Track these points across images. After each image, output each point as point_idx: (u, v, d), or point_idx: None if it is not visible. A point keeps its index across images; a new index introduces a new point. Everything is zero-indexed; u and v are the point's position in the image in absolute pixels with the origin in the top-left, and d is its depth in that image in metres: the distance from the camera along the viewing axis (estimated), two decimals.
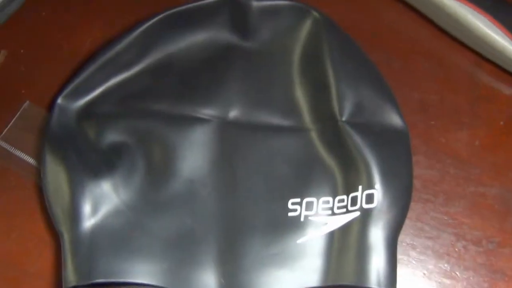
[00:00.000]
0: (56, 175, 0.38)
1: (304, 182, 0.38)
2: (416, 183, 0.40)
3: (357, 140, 0.37)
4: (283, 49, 0.42)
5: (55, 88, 0.45)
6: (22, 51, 0.47)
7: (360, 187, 0.36)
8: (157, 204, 0.38)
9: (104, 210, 0.37)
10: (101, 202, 0.37)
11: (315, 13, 0.40)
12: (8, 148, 0.43)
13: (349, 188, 0.37)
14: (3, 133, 0.44)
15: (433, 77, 0.44)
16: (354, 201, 0.36)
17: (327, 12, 0.40)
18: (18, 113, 0.44)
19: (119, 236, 0.37)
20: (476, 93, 0.43)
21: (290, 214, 0.38)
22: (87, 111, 0.40)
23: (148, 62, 0.42)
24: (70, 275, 0.35)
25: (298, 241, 0.37)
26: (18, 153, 0.43)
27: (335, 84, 0.39)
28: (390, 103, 0.39)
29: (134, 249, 0.37)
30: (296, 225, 0.37)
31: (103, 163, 0.39)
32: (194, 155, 0.39)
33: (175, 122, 0.40)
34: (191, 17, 0.42)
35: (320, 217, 0.37)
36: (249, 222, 0.38)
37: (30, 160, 0.43)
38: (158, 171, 0.39)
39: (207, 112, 0.41)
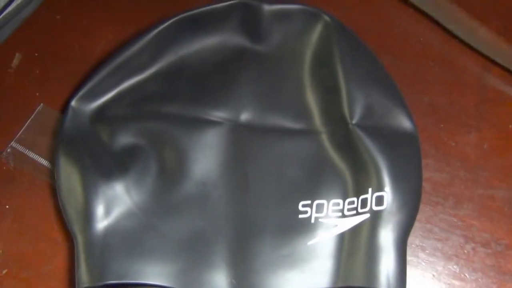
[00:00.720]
0: (69, 176, 0.38)
1: (314, 184, 0.39)
2: (426, 185, 0.41)
3: (367, 142, 0.37)
4: (294, 53, 0.42)
5: (69, 90, 0.45)
6: (36, 54, 0.48)
7: (370, 190, 0.36)
8: (169, 206, 0.39)
9: (116, 211, 0.37)
10: (114, 204, 0.38)
11: (326, 17, 0.41)
12: (22, 150, 0.44)
13: (359, 190, 0.37)
14: (18, 135, 0.44)
15: (442, 81, 0.44)
16: (364, 203, 0.36)
17: (338, 16, 0.41)
18: (33, 115, 0.45)
19: (131, 238, 0.37)
20: (485, 96, 0.44)
21: (300, 216, 0.38)
22: (100, 114, 0.41)
23: (161, 65, 0.42)
24: (83, 276, 0.36)
25: (309, 243, 0.37)
26: (32, 155, 0.44)
27: (346, 87, 0.39)
28: (400, 106, 0.39)
29: (146, 251, 0.37)
30: (306, 227, 0.37)
31: (115, 165, 0.39)
32: (206, 157, 0.40)
33: (187, 125, 0.41)
34: (204, 21, 0.42)
35: (330, 219, 0.37)
36: (260, 224, 0.38)
37: (44, 162, 0.44)
38: (170, 173, 0.39)
39: (219, 114, 0.41)
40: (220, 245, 0.38)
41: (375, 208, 0.36)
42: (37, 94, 0.46)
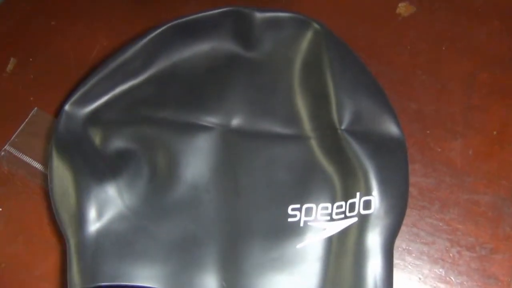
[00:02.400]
0: (62, 179, 0.39)
1: (303, 189, 0.39)
2: (413, 190, 0.42)
3: (356, 148, 0.38)
4: (284, 59, 0.43)
5: (63, 95, 0.46)
6: (31, 59, 0.49)
7: (358, 194, 0.37)
8: (160, 209, 0.39)
9: (109, 214, 0.38)
10: (106, 207, 0.38)
11: (315, 25, 0.42)
12: (16, 154, 0.44)
13: (347, 194, 0.38)
14: (12, 138, 0.45)
15: (429, 88, 0.45)
16: (352, 207, 0.37)
17: (328, 24, 0.42)
18: (27, 119, 0.45)
19: (123, 240, 0.37)
20: (470, 103, 0.44)
21: (290, 219, 0.38)
22: (94, 118, 0.41)
23: (154, 71, 0.43)
24: (75, 278, 0.36)
25: (298, 246, 0.38)
26: (26, 158, 0.44)
27: (335, 93, 0.40)
28: (388, 112, 0.40)
29: (137, 253, 0.37)
30: (295, 230, 0.38)
31: (108, 169, 0.40)
32: (197, 161, 0.40)
33: (179, 130, 0.41)
34: (196, 27, 0.43)
35: (319, 222, 0.38)
36: (250, 227, 0.39)
37: (38, 165, 0.44)
38: (162, 177, 0.40)
39: (210, 119, 0.42)
40: (211, 248, 0.38)
41: (362, 212, 0.36)
42: (31, 98, 0.46)
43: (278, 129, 0.42)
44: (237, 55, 0.43)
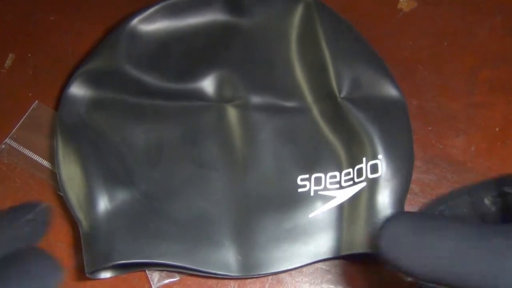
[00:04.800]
0: (69, 164, 0.39)
1: (311, 159, 0.40)
2: (414, 187, 0.41)
3: (357, 114, 0.39)
4: (279, 33, 0.43)
5: (62, 90, 0.46)
6: (29, 55, 0.48)
7: (364, 159, 0.37)
8: (170, 189, 0.39)
9: (119, 196, 0.38)
10: (116, 190, 0.38)
11: (311, 3, 0.42)
12: (17, 147, 0.44)
13: (354, 161, 0.38)
14: (12, 132, 0.44)
15: (431, 84, 0.45)
16: (359, 172, 0.37)
17: None
18: (27, 112, 0.45)
19: (135, 221, 0.38)
20: (472, 100, 0.44)
21: (300, 190, 0.39)
22: (96, 100, 0.41)
23: (149, 49, 0.43)
24: (91, 258, 0.36)
25: (310, 216, 0.38)
26: (27, 152, 0.44)
27: (332, 63, 0.40)
28: (385, 76, 0.40)
29: (151, 232, 0.37)
30: (306, 200, 0.38)
31: (114, 152, 0.40)
32: (203, 140, 0.41)
33: (180, 109, 0.41)
34: (187, 6, 0.43)
35: (329, 191, 0.38)
36: (261, 201, 0.39)
37: (38, 158, 0.44)
38: (169, 158, 0.40)
39: (210, 96, 0.42)
40: (224, 223, 0.38)
41: (370, 176, 0.37)
42: (30, 94, 0.46)
43: (280, 102, 0.42)
44: (231, 30, 0.44)
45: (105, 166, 0.39)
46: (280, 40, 0.43)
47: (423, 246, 0.20)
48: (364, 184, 0.37)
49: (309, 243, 0.38)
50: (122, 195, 0.38)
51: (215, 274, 0.37)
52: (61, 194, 0.39)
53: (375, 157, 0.37)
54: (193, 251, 0.37)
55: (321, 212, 0.38)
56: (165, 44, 0.43)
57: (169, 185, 0.39)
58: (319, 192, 0.38)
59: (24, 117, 0.45)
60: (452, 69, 0.45)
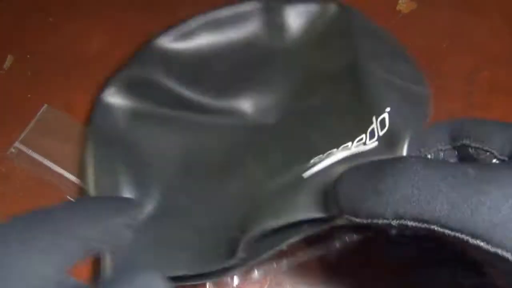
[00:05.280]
0: (100, 171, 0.38)
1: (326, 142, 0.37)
2: None
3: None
4: (316, 48, 0.43)
5: (62, 93, 0.46)
6: (28, 56, 0.48)
7: (373, 118, 0.35)
8: (199, 202, 0.39)
9: (147, 208, 0.38)
10: (145, 201, 0.38)
11: (341, 7, 0.42)
12: (26, 151, 0.43)
13: (365, 124, 0.36)
14: (23, 135, 0.44)
15: (430, 86, 0.44)
16: (372, 134, 0.35)
17: None
18: (37, 116, 0.45)
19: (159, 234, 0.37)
20: (471, 101, 0.44)
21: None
22: (134, 110, 0.41)
23: (189, 63, 0.43)
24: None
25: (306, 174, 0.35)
26: (36, 156, 0.43)
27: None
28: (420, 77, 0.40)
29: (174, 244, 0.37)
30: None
31: (148, 162, 0.40)
32: (238, 157, 0.40)
33: (218, 126, 0.41)
34: (225, 21, 0.43)
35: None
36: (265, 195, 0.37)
37: (48, 163, 0.43)
38: (202, 172, 0.40)
39: (248, 114, 0.42)
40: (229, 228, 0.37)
41: (381, 133, 0.34)
42: (29, 96, 0.46)
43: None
44: (270, 48, 0.43)
45: (137, 177, 0.38)
46: (317, 56, 0.43)
47: (385, 181, 0.20)
48: (376, 143, 0.34)
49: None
50: (149, 208, 0.38)
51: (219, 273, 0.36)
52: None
53: (382, 111, 0.35)
54: (205, 258, 0.36)
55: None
56: (205, 60, 0.43)
57: (199, 199, 0.39)
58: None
59: (34, 121, 0.44)
60: (451, 70, 0.45)
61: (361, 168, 0.23)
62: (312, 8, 0.43)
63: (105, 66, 0.44)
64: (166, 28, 0.43)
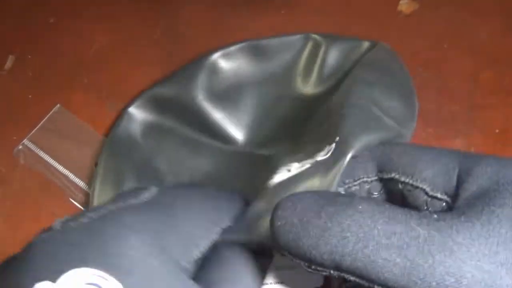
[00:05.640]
0: (107, 178, 0.39)
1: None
2: None
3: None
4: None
5: (63, 94, 0.46)
6: (29, 56, 0.48)
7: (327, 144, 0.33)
8: None
9: None
10: None
11: (382, 46, 0.41)
12: (34, 149, 0.44)
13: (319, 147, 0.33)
14: (31, 133, 0.44)
15: (431, 86, 0.45)
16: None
17: (327, 22, 0.42)
18: (48, 115, 0.45)
19: None
20: (472, 101, 0.44)
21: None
22: (154, 124, 0.41)
23: (223, 86, 0.42)
24: None
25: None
26: (44, 155, 0.44)
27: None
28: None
29: None
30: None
31: (157, 178, 0.40)
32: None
33: (235, 156, 0.41)
34: (269, 50, 0.42)
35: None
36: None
37: (54, 162, 0.43)
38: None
39: (269, 154, 0.41)
40: None
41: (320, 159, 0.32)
42: (30, 96, 0.46)
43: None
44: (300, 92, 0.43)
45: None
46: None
47: (326, 228, 0.17)
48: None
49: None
50: None
51: None
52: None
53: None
54: None
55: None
56: (239, 85, 0.43)
57: None
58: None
59: (45, 119, 0.45)
60: (453, 71, 0.45)
61: (302, 199, 0.20)
62: (350, 44, 0.42)
63: (105, 66, 0.45)
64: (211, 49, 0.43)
